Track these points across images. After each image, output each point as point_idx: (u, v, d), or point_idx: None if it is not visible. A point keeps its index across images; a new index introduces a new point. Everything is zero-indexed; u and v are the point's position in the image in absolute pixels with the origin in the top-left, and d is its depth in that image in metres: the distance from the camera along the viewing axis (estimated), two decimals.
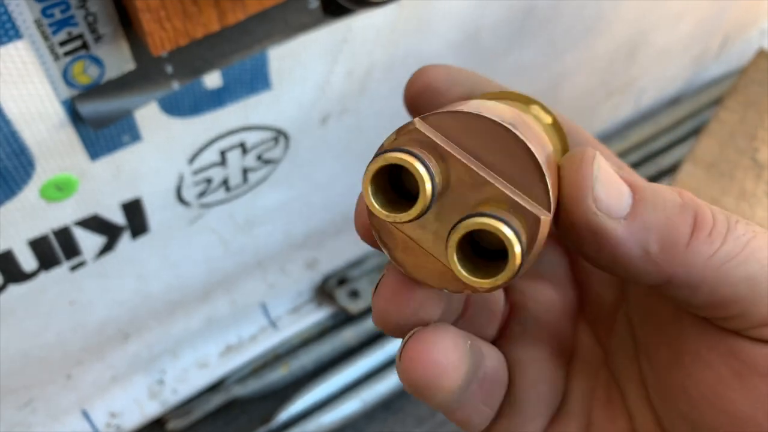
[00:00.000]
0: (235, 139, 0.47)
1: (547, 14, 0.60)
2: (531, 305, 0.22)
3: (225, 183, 0.50)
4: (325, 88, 0.48)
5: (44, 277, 0.46)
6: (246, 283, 0.65)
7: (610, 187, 0.17)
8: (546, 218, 0.16)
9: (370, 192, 0.16)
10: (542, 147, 0.18)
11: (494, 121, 0.16)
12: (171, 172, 0.46)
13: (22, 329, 0.49)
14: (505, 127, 0.16)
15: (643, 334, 0.20)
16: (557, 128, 0.23)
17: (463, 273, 0.16)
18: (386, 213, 0.16)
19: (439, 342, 0.17)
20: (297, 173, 0.54)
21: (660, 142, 0.91)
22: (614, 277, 0.22)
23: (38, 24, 0.32)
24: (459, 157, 0.16)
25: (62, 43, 0.33)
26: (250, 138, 0.47)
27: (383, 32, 0.47)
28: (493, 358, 0.20)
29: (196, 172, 0.47)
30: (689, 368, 0.18)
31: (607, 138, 0.91)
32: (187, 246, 0.54)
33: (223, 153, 0.47)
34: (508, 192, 0.16)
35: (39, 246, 0.43)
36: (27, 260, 0.44)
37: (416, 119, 0.17)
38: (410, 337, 0.18)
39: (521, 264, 0.15)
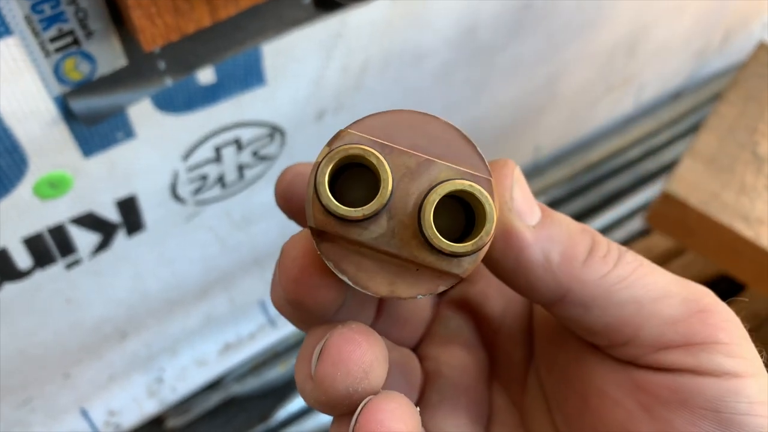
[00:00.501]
0: (229, 135, 0.46)
1: (545, 8, 0.60)
2: (445, 371, 0.22)
3: (221, 180, 0.50)
4: (320, 83, 0.48)
5: (40, 275, 0.46)
6: (244, 280, 0.65)
7: (525, 196, 0.18)
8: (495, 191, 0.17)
9: (327, 190, 0.16)
10: None
11: (419, 112, 0.17)
12: (166, 169, 0.46)
13: (18, 328, 0.49)
14: (431, 115, 0.17)
15: (551, 386, 0.20)
16: None
17: (443, 240, 0.16)
18: (350, 209, 0.16)
19: (397, 411, 0.16)
20: None
21: (661, 137, 0.91)
22: (521, 334, 0.22)
23: (28, 20, 0.32)
24: (400, 147, 0.17)
25: (53, 40, 0.33)
26: (245, 134, 0.47)
27: (378, 27, 0.47)
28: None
29: (191, 169, 0.47)
30: (598, 411, 0.18)
31: (606, 134, 0.90)
32: (183, 243, 0.54)
33: (218, 149, 0.47)
34: (456, 166, 0.17)
35: (34, 244, 0.43)
36: (22, 258, 0.43)
37: (343, 129, 0.17)
38: (364, 407, 0.16)
39: (493, 225, 0.16)
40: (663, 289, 0.18)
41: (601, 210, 0.83)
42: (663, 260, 0.75)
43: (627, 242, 0.79)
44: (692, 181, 0.56)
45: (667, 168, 0.86)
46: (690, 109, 0.94)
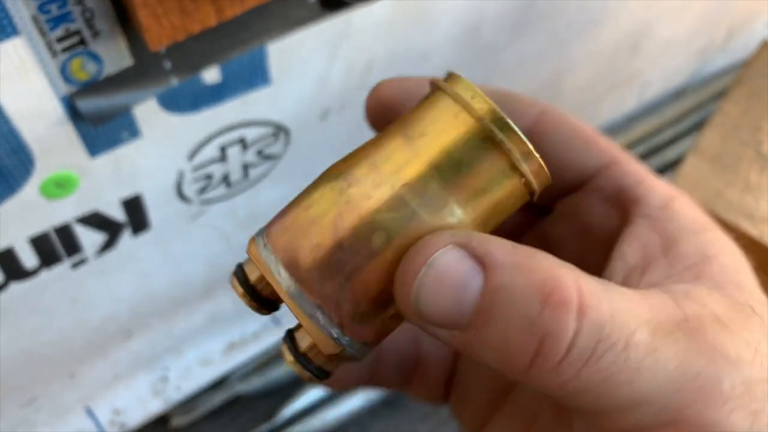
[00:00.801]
0: (234, 134, 0.46)
1: (548, 7, 0.60)
2: None
3: (226, 179, 0.50)
4: (325, 82, 0.48)
5: (46, 274, 0.46)
6: None
7: (440, 300, 0.15)
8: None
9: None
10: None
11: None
12: (171, 168, 0.46)
13: (24, 327, 0.49)
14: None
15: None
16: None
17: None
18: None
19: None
20: (298, 169, 0.54)
21: (664, 135, 0.90)
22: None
23: (35, 20, 0.32)
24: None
25: (60, 40, 0.33)
26: (250, 133, 0.47)
27: (383, 26, 0.47)
28: None
29: (196, 168, 0.47)
30: None
31: (610, 132, 0.90)
32: (188, 242, 0.54)
33: (223, 149, 0.47)
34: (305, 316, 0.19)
35: (40, 243, 0.43)
36: (28, 257, 0.44)
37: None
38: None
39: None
40: (637, 400, 0.15)
41: None
42: None
43: None
44: (696, 180, 0.56)
45: (671, 166, 0.86)
46: (693, 107, 0.94)
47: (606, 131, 0.90)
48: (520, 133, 0.17)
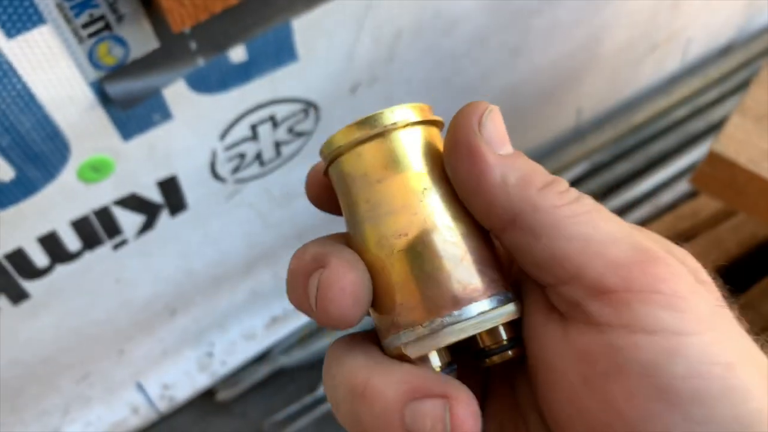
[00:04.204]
0: (264, 113, 0.47)
1: None
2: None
3: (258, 157, 0.50)
4: (353, 56, 0.48)
5: (89, 256, 0.47)
6: (287, 255, 0.65)
7: (497, 129, 0.19)
8: None
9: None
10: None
11: None
12: (204, 149, 0.46)
13: (71, 307, 0.51)
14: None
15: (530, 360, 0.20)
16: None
17: None
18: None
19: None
20: None
21: (709, 96, 0.87)
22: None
23: (60, 8, 0.32)
24: None
25: (85, 25, 0.34)
26: (280, 111, 0.47)
27: None
28: None
29: (228, 148, 0.47)
30: (550, 387, 0.18)
31: (651, 94, 0.87)
32: (226, 221, 0.54)
33: (254, 127, 0.47)
34: None
35: (81, 226, 0.45)
36: (71, 240, 0.45)
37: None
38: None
39: None
40: (613, 234, 0.17)
41: (646, 173, 0.81)
42: (712, 223, 0.73)
43: (674, 205, 0.77)
44: (741, 140, 0.54)
45: (716, 127, 0.83)
46: (740, 65, 0.90)
47: (647, 94, 0.87)
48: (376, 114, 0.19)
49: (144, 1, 0.34)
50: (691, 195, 0.78)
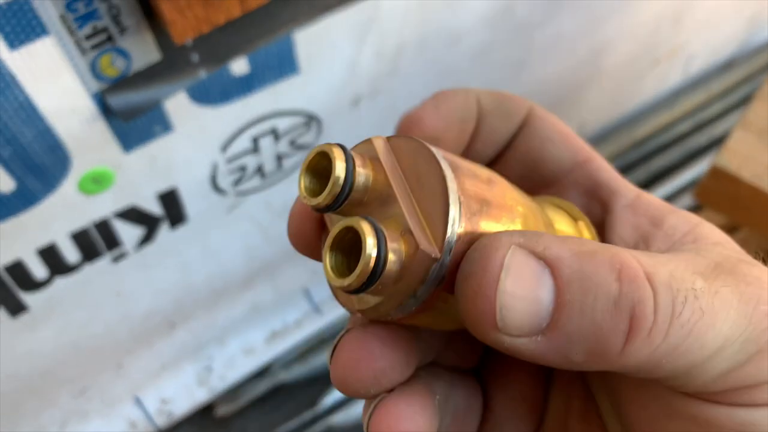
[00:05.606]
0: (266, 125, 0.46)
1: None
2: (507, 382, 0.21)
3: (260, 170, 0.50)
4: (355, 69, 0.48)
5: (88, 268, 0.47)
6: (288, 269, 0.65)
7: (522, 303, 0.14)
8: (427, 250, 0.15)
9: (302, 183, 0.16)
10: (509, 202, 0.17)
11: (432, 154, 0.16)
12: (205, 161, 0.46)
13: (71, 320, 0.50)
14: (437, 159, 0.16)
15: (606, 396, 0.20)
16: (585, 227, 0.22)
17: (327, 267, 0.15)
18: (306, 196, 0.16)
19: (404, 410, 0.16)
20: None
21: (712, 110, 0.87)
22: None
23: (63, 19, 0.32)
24: (387, 172, 0.16)
25: (88, 37, 0.33)
26: (282, 124, 0.47)
27: (411, 9, 0.46)
28: (468, 387, 0.19)
29: (229, 160, 0.47)
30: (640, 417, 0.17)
31: (654, 108, 0.87)
32: (226, 234, 0.54)
33: (255, 140, 0.47)
34: (406, 214, 0.16)
35: (81, 238, 0.44)
36: (70, 252, 0.45)
37: (375, 137, 0.17)
38: (375, 407, 0.16)
39: (374, 271, 0.14)
40: (721, 342, 0.15)
41: (648, 188, 0.81)
42: None
43: None
44: (744, 154, 0.54)
45: (719, 142, 0.83)
46: (742, 79, 0.90)
47: (650, 108, 0.87)
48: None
49: (147, 13, 0.34)
50: (694, 209, 0.77)
